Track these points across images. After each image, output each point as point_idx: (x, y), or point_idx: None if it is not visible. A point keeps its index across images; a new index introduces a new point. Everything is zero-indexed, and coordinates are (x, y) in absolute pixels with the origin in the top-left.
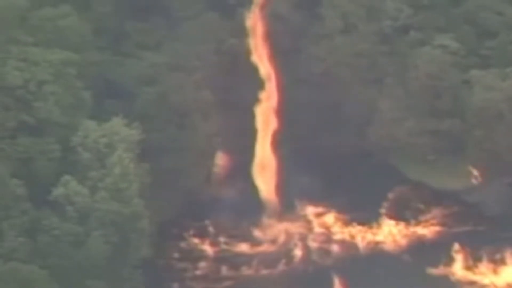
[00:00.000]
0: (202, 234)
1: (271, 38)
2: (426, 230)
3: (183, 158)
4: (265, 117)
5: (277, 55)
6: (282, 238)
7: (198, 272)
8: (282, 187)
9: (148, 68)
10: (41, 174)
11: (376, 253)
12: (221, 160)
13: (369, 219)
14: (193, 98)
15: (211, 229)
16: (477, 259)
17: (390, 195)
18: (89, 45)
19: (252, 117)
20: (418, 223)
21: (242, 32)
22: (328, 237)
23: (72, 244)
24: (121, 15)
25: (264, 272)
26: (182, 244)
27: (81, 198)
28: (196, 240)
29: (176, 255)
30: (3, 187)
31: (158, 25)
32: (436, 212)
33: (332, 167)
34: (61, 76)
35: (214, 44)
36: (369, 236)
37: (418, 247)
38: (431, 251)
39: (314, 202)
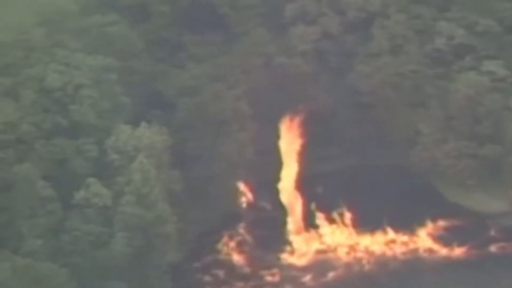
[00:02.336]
0: (235, 244)
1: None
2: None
3: (217, 167)
4: (301, 132)
5: (326, 73)
6: (313, 253)
7: (227, 281)
8: (319, 202)
9: (191, 79)
10: (74, 175)
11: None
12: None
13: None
14: (231, 109)
15: (244, 239)
16: None
17: (429, 217)
18: (137, 53)
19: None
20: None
21: (291, 51)
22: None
23: (93, 245)
24: (180, 28)
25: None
26: (216, 253)
27: (100, 200)
28: (229, 249)
29: (208, 263)
30: (30, 188)
31: (214, 39)
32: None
33: (373, 187)
34: (100, 81)
35: (263, 60)
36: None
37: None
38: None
39: (351, 218)
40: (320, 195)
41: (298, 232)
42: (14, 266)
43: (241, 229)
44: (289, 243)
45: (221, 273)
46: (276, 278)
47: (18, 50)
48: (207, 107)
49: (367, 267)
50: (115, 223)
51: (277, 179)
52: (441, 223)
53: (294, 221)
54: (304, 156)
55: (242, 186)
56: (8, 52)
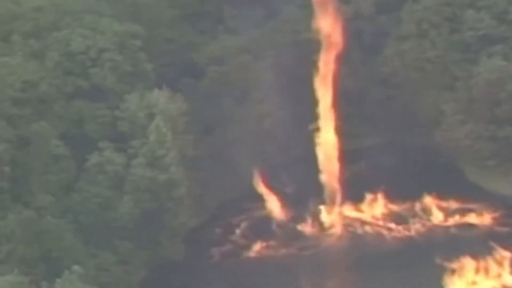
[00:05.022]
0: (256, 212)
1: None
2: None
3: (237, 135)
4: (328, 110)
5: (357, 52)
6: (338, 225)
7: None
8: (346, 177)
9: (221, 49)
10: (90, 137)
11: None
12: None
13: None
14: (254, 80)
15: (265, 208)
16: None
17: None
18: (169, 23)
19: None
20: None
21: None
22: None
23: (102, 207)
24: (222, 2)
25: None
26: (235, 221)
27: (113, 169)
28: (249, 217)
29: (226, 229)
30: (45, 146)
31: (253, 13)
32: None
33: (398, 165)
34: (124, 46)
35: (293, 37)
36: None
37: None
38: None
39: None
40: (349, 171)
41: (325, 205)
42: (19, 218)
43: (264, 199)
44: (314, 215)
45: (237, 240)
46: (296, 251)
47: (51, 14)
48: (232, 76)
49: (388, 241)
50: (125, 185)
51: (299, 153)
52: (459, 202)
53: (322, 194)
54: (333, 133)
55: (265, 157)
56: (41, 16)
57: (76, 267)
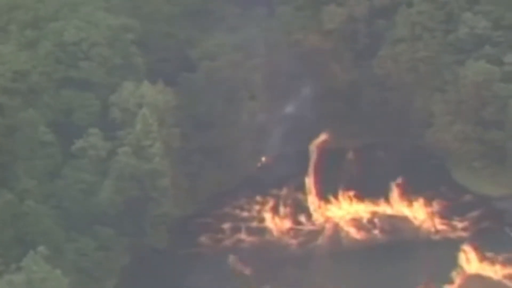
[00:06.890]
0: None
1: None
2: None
3: (228, 131)
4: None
5: (350, 53)
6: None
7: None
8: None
9: (215, 46)
10: (78, 127)
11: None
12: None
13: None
14: (245, 78)
15: (253, 202)
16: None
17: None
18: (167, 18)
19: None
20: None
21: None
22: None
23: (85, 193)
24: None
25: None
26: (224, 212)
27: (96, 153)
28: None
29: (213, 220)
30: (31, 132)
31: (254, 13)
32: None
33: (388, 164)
34: (116, 39)
35: (288, 36)
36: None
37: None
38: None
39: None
40: (339, 169)
41: (312, 203)
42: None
43: (254, 193)
44: (302, 210)
45: (224, 231)
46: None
47: (51, 5)
48: (222, 73)
49: (367, 239)
50: (109, 171)
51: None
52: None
53: (309, 191)
54: (323, 131)
55: (255, 152)
56: (42, 6)
57: (41, 248)
